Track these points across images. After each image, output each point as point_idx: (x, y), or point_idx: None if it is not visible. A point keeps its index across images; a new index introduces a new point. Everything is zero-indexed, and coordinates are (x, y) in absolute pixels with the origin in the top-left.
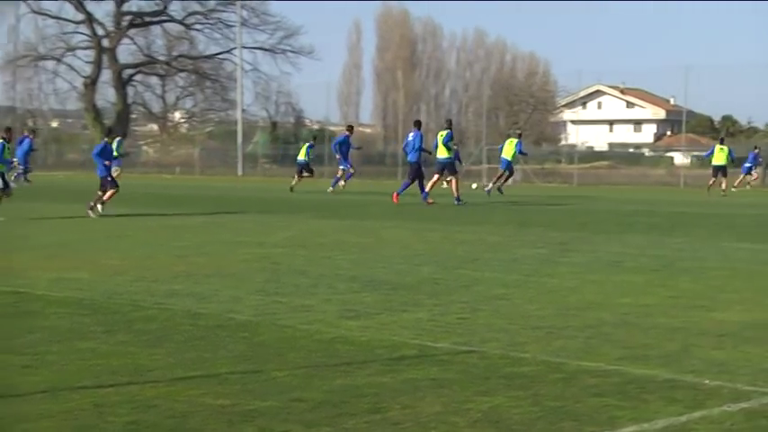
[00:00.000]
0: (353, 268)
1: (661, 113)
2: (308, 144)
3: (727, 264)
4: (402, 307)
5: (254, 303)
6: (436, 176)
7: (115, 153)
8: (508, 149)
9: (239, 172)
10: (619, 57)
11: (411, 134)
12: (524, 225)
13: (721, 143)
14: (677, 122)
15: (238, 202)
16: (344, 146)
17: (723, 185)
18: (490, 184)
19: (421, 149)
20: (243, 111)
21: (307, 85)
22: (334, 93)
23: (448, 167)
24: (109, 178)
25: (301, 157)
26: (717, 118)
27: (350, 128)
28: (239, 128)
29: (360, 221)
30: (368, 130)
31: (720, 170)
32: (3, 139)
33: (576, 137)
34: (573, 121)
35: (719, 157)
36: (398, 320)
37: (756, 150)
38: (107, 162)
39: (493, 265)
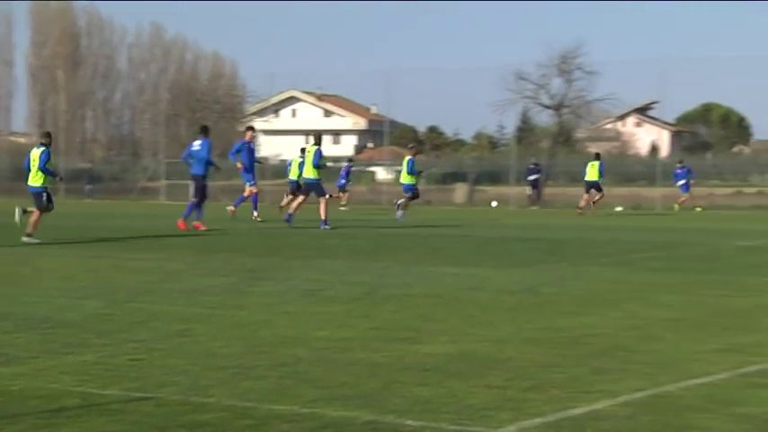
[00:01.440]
0: (3, 304)
1: (362, 123)
2: None
3: (433, 290)
4: (64, 348)
5: None
6: (301, 198)
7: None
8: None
9: None
10: (315, 59)
11: (197, 141)
12: (208, 250)
13: (596, 158)
14: (379, 134)
15: None
16: (245, 153)
17: (582, 203)
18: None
19: (209, 162)
20: None
21: None
22: None
23: (316, 189)
24: None
25: None
26: (422, 129)
27: (250, 128)
28: None
29: (9, 248)
30: (21, 140)
31: (593, 186)
32: (44, 145)
33: (269, 149)
34: (265, 131)
35: (592, 173)
36: (59, 365)
37: (680, 165)
38: None
39: (172, 296)
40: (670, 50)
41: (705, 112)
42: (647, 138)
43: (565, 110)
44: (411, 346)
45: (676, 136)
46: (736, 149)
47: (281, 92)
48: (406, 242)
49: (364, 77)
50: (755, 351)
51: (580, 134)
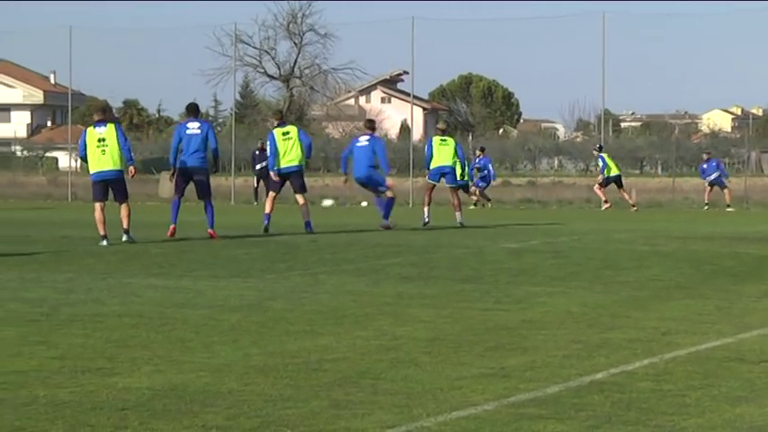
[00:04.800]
0: None
1: (38, 96)
2: None
3: (131, 308)
4: None
5: None
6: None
7: None
8: None
9: None
10: None
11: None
12: None
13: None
14: (60, 109)
15: None
16: None
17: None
18: None
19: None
20: None
21: None
22: None
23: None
24: None
25: None
26: (117, 104)
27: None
28: None
29: None
30: None
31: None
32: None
33: None
34: None
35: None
36: None
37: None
38: None
39: None
40: (419, 9)
41: (464, 86)
42: (397, 116)
43: (295, 81)
44: (105, 378)
45: (431, 114)
46: (501, 131)
47: None
48: (92, 248)
49: (38, 37)
50: (526, 375)
51: (315, 111)
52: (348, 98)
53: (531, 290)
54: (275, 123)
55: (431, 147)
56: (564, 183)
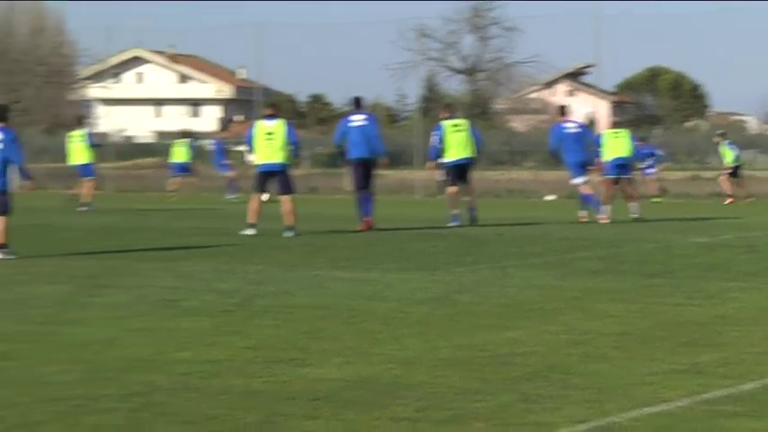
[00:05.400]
0: None
1: (227, 91)
2: None
3: (321, 300)
4: None
5: None
6: None
7: None
8: None
9: None
10: (165, 11)
11: (361, 116)
12: (35, 250)
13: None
14: (249, 103)
15: None
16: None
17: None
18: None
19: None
20: None
21: None
22: None
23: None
24: None
25: None
26: (303, 98)
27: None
28: None
29: None
30: None
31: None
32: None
33: (109, 122)
34: (103, 100)
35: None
36: None
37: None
38: None
39: None
40: (605, 4)
41: (651, 79)
42: (582, 110)
43: (479, 75)
44: (297, 369)
45: (617, 107)
46: (690, 124)
47: (123, 51)
48: (282, 240)
49: (229, 34)
50: (720, 372)
51: (499, 105)
52: (533, 91)
53: (723, 285)
54: (445, 116)
55: (600, 139)
56: (757, 176)
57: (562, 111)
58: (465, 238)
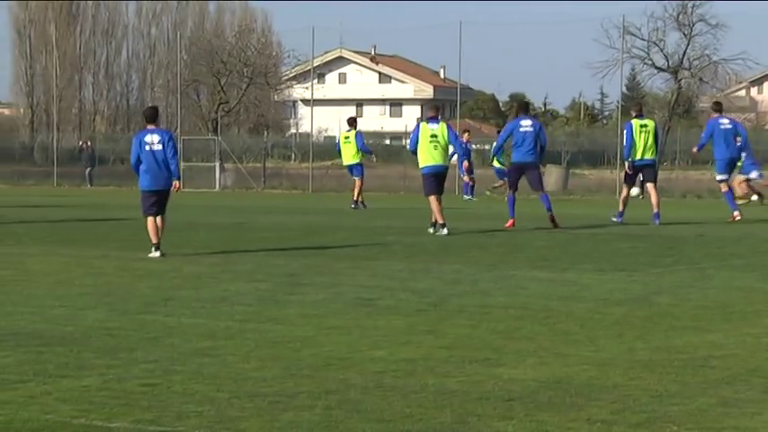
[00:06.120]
0: None
1: (428, 91)
2: None
3: (516, 300)
4: (60, 371)
5: None
6: None
7: None
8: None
9: None
10: (367, 11)
11: (528, 122)
12: (236, 249)
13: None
14: (450, 103)
15: None
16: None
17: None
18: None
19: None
20: None
21: None
22: None
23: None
24: None
25: None
26: (503, 97)
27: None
28: None
29: None
30: (6, 111)
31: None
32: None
33: (311, 123)
34: (305, 101)
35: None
36: (55, 390)
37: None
38: None
39: (193, 306)
40: None
41: None
42: None
43: (684, 73)
44: (491, 369)
45: None
46: None
47: (327, 52)
48: (478, 239)
49: (429, 34)
50: None
51: (704, 103)
52: (739, 89)
53: None
54: (633, 114)
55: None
56: None
57: (717, 107)
58: (664, 238)
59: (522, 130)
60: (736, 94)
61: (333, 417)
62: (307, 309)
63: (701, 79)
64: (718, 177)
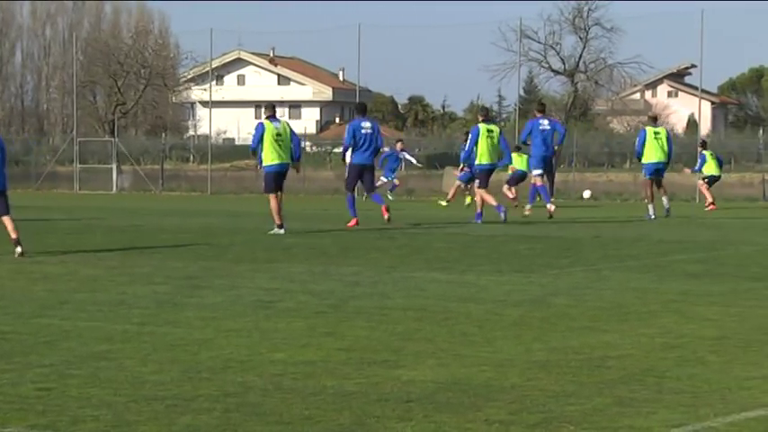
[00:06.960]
0: None
1: (327, 93)
2: None
3: (415, 302)
4: None
5: None
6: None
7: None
8: None
9: None
10: (266, 13)
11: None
12: (134, 251)
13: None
14: (349, 105)
15: None
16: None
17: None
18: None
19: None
20: None
21: None
22: None
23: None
24: None
25: None
26: (402, 100)
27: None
28: None
29: None
30: None
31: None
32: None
33: (210, 124)
34: (204, 102)
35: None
36: None
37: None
38: None
39: (89, 310)
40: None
41: (755, 79)
42: (684, 111)
43: (580, 76)
44: (390, 371)
45: (719, 109)
46: None
47: (225, 53)
48: (378, 242)
49: (328, 36)
50: None
51: (599, 106)
52: (634, 92)
53: None
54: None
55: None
56: None
57: (541, 107)
58: (561, 240)
59: (363, 131)
60: (631, 97)
61: (231, 420)
62: (205, 311)
63: (596, 82)
64: (534, 172)
